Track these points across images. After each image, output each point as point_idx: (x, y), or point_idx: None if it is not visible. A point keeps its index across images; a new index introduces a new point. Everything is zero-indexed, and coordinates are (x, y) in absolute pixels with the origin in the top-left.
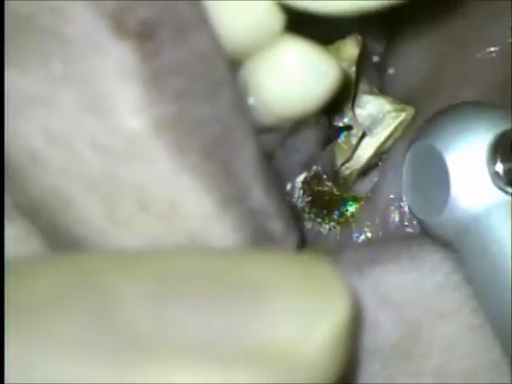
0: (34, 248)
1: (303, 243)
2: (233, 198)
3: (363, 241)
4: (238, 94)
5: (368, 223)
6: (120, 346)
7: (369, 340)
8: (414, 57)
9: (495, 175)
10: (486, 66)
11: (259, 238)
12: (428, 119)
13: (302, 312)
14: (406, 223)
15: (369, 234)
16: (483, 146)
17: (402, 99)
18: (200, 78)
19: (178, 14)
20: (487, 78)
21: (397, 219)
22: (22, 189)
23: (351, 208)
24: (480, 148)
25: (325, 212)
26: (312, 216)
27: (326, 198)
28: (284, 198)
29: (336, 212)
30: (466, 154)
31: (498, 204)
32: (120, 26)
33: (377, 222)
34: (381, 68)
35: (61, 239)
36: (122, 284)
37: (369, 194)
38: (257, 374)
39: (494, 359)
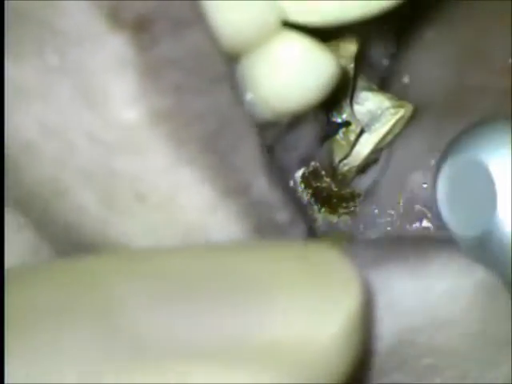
0: (26, 241)
1: (312, 233)
2: (234, 190)
3: (369, 238)
4: (236, 88)
5: (371, 220)
6: (127, 350)
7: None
8: (432, 66)
9: None
10: (506, 77)
11: (266, 230)
12: (463, 131)
13: (311, 306)
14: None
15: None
16: None
17: (419, 109)
18: (197, 73)
19: (175, 9)
20: (506, 88)
21: (399, 215)
22: (14, 180)
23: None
24: None
25: (325, 206)
26: (319, 208)
27: (325, 194)
28: (288, 189)
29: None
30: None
31: None
32: (116, 17)
33: (380, 217)
34: (391, 73)
35: (55, 229)
36: (124, 287)
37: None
38: (268, 373)
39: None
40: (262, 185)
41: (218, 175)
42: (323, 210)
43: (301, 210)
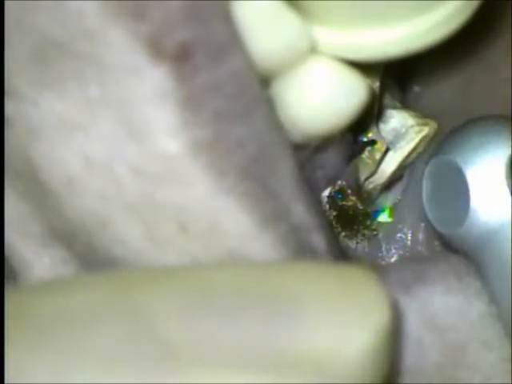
0: (68, 275)
1: (344, 257)
2: (274, 216)
3: (403, 257)
4: (274, 111)
5: (396, 237)
6: (155, 358)
7: (413, 360)
8: (441, 76)
9: None
10: (509, 85)
11: (302, 253)
12: (447, 133)
13: (340, 320)
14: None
15: (400, 251)
16: (502, 159)
17: (427, 116)
18: (236, 98)
19: (214, 36)
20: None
21: (424, 234)
22: (58, 212)
23: (375, 222)
24: (499, 162)
25: (348, 226)
26: (339, 230)
27: (350, 212)
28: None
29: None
30: (485, 168)
31: None
32: (156, 49)
33: (406, 236)
34: (404, 84)
35: (98, 262)
36: (157, 299)
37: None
38: (295, 381)
39: None
40: (299, 209)
41: (258, 202)
42: (343, 234)
43: (335, 233)
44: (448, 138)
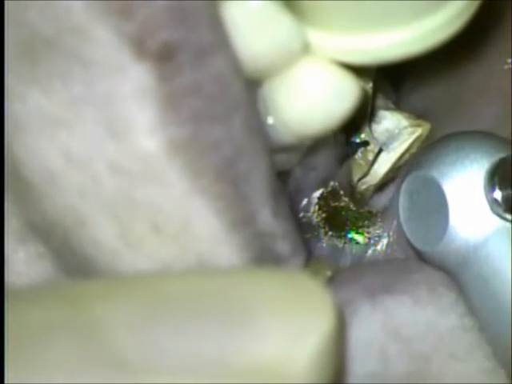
0: (45, 271)
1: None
2: (241, 220)
3: (378, 258)
4: (253, 115)
5: (382, 239)
6: (107, 370)
7: (376, 367)
8: (432, 70)
9: (494, 202)
10: (505, 77)
11: (266, 259)
12: (423, 149)
13: (287, 328)
14: None
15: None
16: (480, 173)
17: (419, 112)
18: (216, 100)
19: (198, 37)
20: (507, 89)
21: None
22: (38, 208)
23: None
24: (477, 176)
25: (339, 227)
26: (327, 231)
27: (343, 213)
28: (295, 217)
29: (351, 228)
30: (464, 182)
31: (497, 231)
32: (140, 48)
33: (390, 238)
34: (397, 80)
35: (73, 260)
36: (109, 311)
37: (382, 210)
38: None
39: None
40: (266, 215)
41: (229, 206)
42: (330, 233)
43: (303, 239)
44: (425, 153)
